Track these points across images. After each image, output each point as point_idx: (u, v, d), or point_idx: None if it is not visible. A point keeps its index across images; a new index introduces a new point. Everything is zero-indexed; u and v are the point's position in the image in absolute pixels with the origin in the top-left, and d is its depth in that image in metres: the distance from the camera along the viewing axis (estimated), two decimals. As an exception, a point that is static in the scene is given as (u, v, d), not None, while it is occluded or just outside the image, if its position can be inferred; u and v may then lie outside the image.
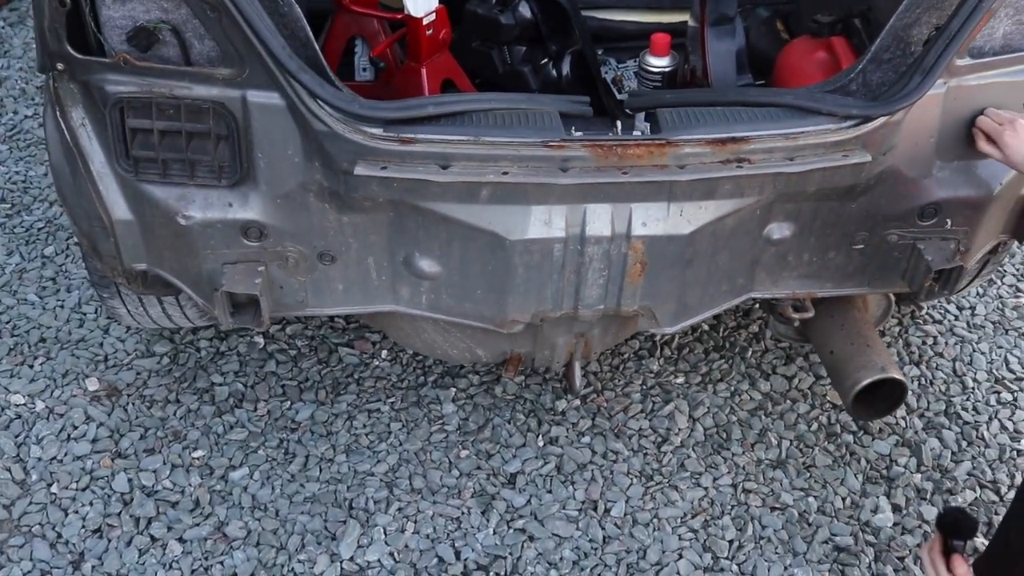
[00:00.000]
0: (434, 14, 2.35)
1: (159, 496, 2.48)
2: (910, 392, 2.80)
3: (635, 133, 2.02)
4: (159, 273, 2.19)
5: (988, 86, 2.13)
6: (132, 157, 2.00)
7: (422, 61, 2.38)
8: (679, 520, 2.48)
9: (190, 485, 2.51)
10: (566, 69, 2.55)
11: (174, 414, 2.67)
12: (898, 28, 2.08)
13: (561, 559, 2.38)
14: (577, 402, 2.74)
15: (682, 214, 2.05)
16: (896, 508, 2.53)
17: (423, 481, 2.54)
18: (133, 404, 2.69)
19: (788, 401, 2.77)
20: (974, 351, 2.94)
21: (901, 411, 2.76)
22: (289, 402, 2.71)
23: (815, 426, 2.71)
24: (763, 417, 2.73)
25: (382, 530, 2.42)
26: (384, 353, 2.85)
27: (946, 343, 2.96)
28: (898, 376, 2.35)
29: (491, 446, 2.63)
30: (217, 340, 2.86)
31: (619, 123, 2.04)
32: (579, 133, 1.98)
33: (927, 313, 3.04)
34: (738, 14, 2.52)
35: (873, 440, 2.68)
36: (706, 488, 2.55)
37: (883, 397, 2.44)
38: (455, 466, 2.58)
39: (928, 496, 2.56)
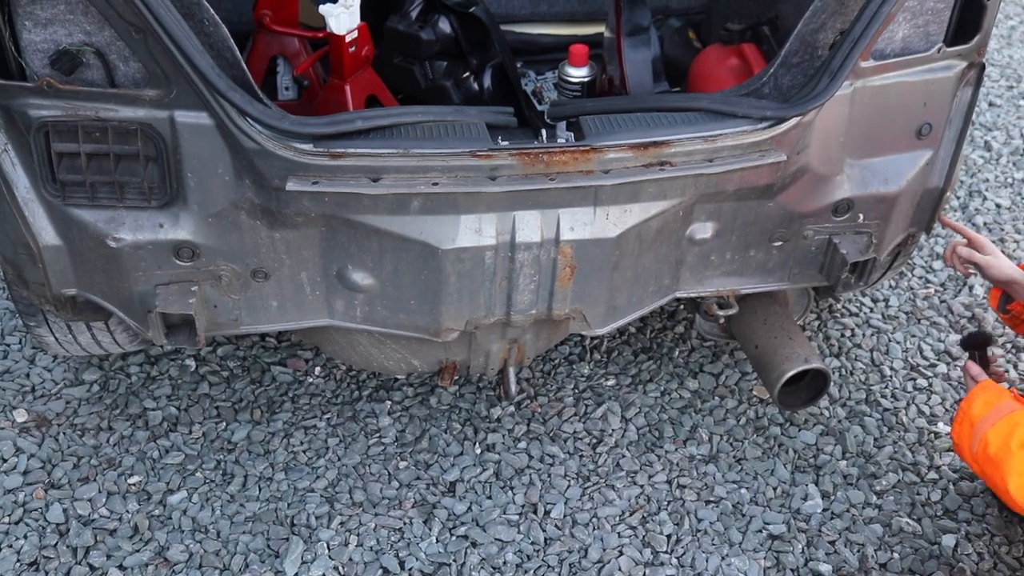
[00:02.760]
0: (356, 31, 2.38)
1: (96, 525, 2.45)
2: (832, 383, 2.91)
3: (559, 141, 2.07)
4: (90, 298, 2.18)
5: (891, 86, 2.24)
6: (59, 181, 1.99)
7: (346, 78, 2.41)
8: (618, 518, 2.53)
9: (128, 512, 2.48)
10: (488, 82, 2.60)
11: (107, 441, 2.64)
12: (805, 33, 2.18)
13: (504, 563, 2.41)
14: (512, 409, 2.78)
15: (608, 218, 2.11)
16: (825, 495, 2.62)
17: (363, 494, 2.55)
18: (64, 434, 2.65)
19: (716, 398, 2.85)
20: (890, 341, 3.06)
21: (825, 401, 2.86)
22: (224, 423, 2.70)
23: (743, 420, 2.79)
24: (693, 414, 2.80)
25: (325, 545, 2.43)
26: (318, 370, 2.86)
27: (863, 334, 3.07)
28: (820, 366, 2.44)
29: (429, 456, 2.65)
30: (148, 365, 2.84)
31: (543, 132, 2.09)
32: (506, 142, 2.03)
33: (844, 307, 3.16)
34: (652, 24, 2.60)
35: (799, 431, 2.77)
36: (642, 486, 2.61)
37: (807, 388, 2.53)
38: (394, 477, 2.60)
39: (854, 481, 2.65)
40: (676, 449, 2.71)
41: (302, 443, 2.66)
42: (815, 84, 2.11)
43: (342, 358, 2.51)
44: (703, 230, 2.28)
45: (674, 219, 2.21)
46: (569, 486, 2.60)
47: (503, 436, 2.71)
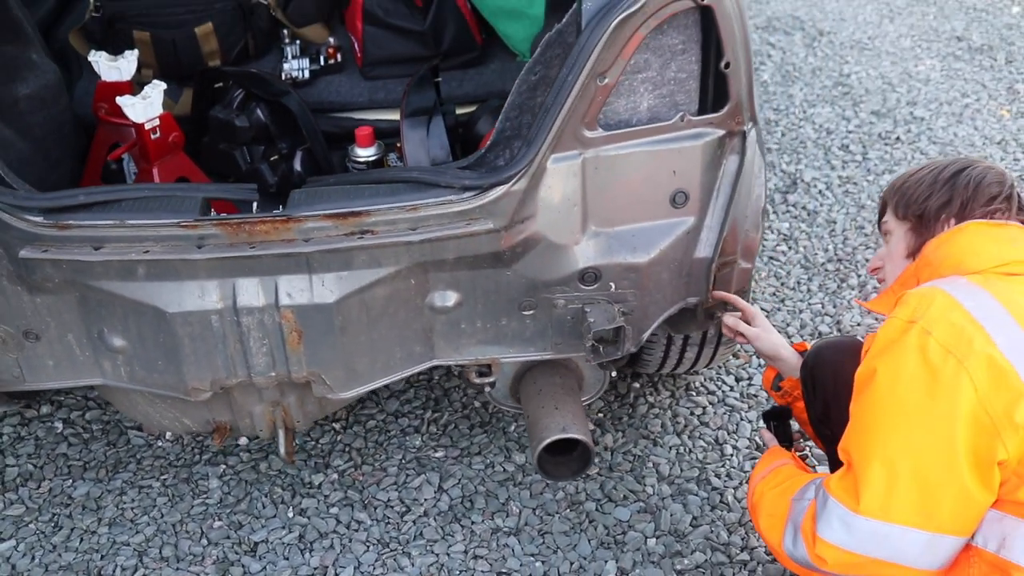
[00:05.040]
0: (157, 120, 2.61)
1: (-71, 567, 2.69)
2: (665, 460, 2.86)
3: (274, 212, 2.21)
4: None
5: (630, 155, 2.27)
6: None
7: (151, 162, 2.64)
8: (402, 585, 2.58)
9: (-41, 558, 2.72)
10: (298, 165, 2.78)
11: (-37, 494, 2.90)
12: (523, 104, 2.25)
13: (275, 621, 2.50)
14: (335, 476, 2.88)
15: (324, 284, 2.23)
16: (622, 571, 2.57)
17: (173, 550, 2.70)
18: (-68, 486, 2.93)
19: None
20: (741, 419, 2.98)
21: (652, 478, 2.81)
22: (71, 480, 2.91)
23: (560, 495, 2.78)
24: (511, 487, 2.81)
25: (120, 596, 2.59)
26: (168, 435, 3.04)
27: (715, 412, 3.01)
28: (579, 436, 2.43)
29: (244, 517, 2.77)
30: (20, 426, 3.09)
31: (255, 204, 2.24)
32: (221, 214, 2.20)
33: (702, 384, 3.10)
34: (438, 106, 2.73)
35: (616, 507, 2.74)
36: (438, 554, 2.64)
37: (578, 459, 2.52)
38: (206, 535, 2.73)
39: (657, 560, 2.60)
40: (483, 520, 2.73)
41: (134, 500, 2.84)
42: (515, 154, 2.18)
43: (130, 416, 2.69)
44: (444, 298, 2.34)
45: (405, 287, 2.29)
46: (366, 551, 2.66)
47: (318, 501, 2.81)
